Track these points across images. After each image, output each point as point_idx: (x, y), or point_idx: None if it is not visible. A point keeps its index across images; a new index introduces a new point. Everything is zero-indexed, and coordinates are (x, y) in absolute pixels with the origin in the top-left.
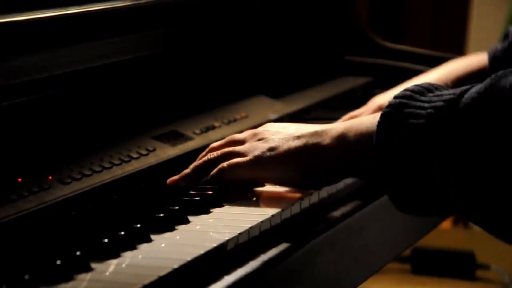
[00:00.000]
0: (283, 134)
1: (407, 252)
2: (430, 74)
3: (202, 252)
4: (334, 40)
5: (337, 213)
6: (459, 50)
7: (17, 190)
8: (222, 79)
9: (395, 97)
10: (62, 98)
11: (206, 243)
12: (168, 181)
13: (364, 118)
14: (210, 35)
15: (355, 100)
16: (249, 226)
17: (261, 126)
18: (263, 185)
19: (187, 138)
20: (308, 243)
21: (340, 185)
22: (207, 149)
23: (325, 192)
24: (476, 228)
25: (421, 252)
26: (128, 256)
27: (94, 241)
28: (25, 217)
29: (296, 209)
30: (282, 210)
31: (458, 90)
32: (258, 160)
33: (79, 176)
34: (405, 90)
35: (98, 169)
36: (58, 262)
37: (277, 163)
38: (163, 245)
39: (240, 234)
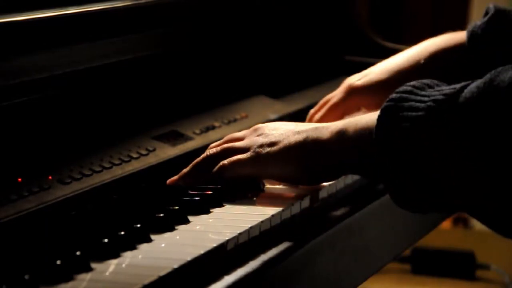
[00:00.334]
0: (282, 129)
1: (407, 252)
2: (404, 52)
3: (202, 252)
4: (334, 40)
5: (337, 213)
6: None
7: (17, 190)
8: (222, 79)
9: (396, 92)
10: (62, 98)
11: (206, 243)
12: (168, 181)
13: (365, 114)
14: (210, 35)
15: None
16: (249, 226)
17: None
18: (263, 182)
19: (187, 138)
20: (308, 243)
21: (340, 185)
22: (207, 150)
23: (325, 192)
24: (476, 228)
25: (421, 252)
26: (128, 256)
27: (94, 241)
28: (25, 217)
29: (296, 209)
30: (282, 210)
31: (458, 85)
32: (258, 156)
33: (79, 176)
34: (406, 85)
35: (98, 169)
36: (58, 262)
37: (277, 159)
38: (163, 245)
39: (240, 234)
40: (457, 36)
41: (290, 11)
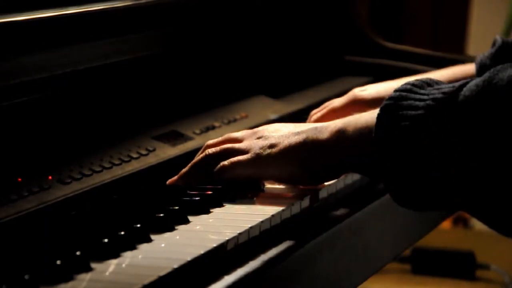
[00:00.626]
0: (282, 131)
1: (407, 252)
2: (412, 77)
3: (202, 252)
4: (334, 40)
5: (337, 213)
6: (459, 50)
7: (17, 190)
8: (222, 79)
9: (395, 90)
10: (62, 98)
11: (206, 243)
12: (168, 182)
13: (363, 113)
14: (210, 35)
15: None
16: (249, 226)
17: (260, 126)
18: (263, 183)
19: (187, 138)
20: (308, 243)
21: (340, 185)
22: (203, 147)
23: (325, 192)
24: (476, 228)
25: (421, 252)
26: (128, 256)
27: (94, 241)
28: (25, 217)
29: (296, 209)
30: (282, 210)
31: (457, 83)
32: (259, 158)
33: (79, 176)
34: (405, 84)
35: (98, 169)
36: (58, 262)
37: (277, 160)
38: (163, 245)
39: (240, 234)
40: (466, 68)
41: (290, 11)
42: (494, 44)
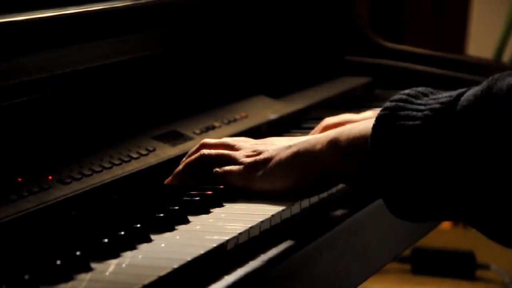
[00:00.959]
0: (275, 145)
1: (407, 252)
2: None
3: (202, 252)
4: (334, 40)
5: (337, 213)
6: (459, 50)
7: (17, 190)
8: (222, 79)
9: (391, 100)
10: (62, 98)
11: (206, 243)
12: (165, 182)
13: (357, 123)
14: (210, 35)
15: (355, 100)
16: (249, 226)
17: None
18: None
19: (187, 138)
20: (308, 243)
21: (340, 185)
22: (199, 145)
23: (325, 192)
24: None
25: (421, 252)
26: (128, 256)
27: (94, 241)
28: (25, 217)
29: (296, 209)
30: (282, 210)
31: (455, 93)
32: (251, 171)
33: (79, 176)
34: (401, 93)
35: (98, 169)
36: (58, 262)
37: (269, 175)
38: (163, 245)
39: (240, 234)
40: None
41: (290, 11)
42: None
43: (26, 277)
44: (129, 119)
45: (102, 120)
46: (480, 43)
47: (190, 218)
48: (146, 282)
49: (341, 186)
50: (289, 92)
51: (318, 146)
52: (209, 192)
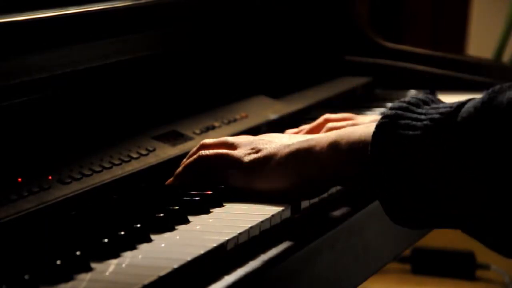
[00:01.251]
0: (275, 143)
1: (407, 252)
2: None
3: (202, 252)
4: (334, 40)
5: (337, 213)
6: (459, 50)
7: (17, 190)
8: (222, 79)
9: (391, 108)
10: (62, 98)
11: (206, 243)
12: (165, 184)
13: (357, 127)
14: (210, 35)
15: (355, 100)
16: (249, 226)
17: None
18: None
19: (187, 138)
20: (308, 243)
21: None
22: (199, 146)
23: (323, 193)
24: None
25: (421, 252)
26: (128, 256)
27: (94, 241)
28: (25, 217)
29: (296, 209)
30: (282, 210)
31: (455, 103)
32: (250, 171)
33: (79, 176)
34: (401, 101)
35: (98, 169)
36: (58, 262)
37: (268, 174)
38: (163, 245)
39: (240, 234)
40: None
41: (290, 11)
42: None
43: (26, 277)
44: (129, 119)
45: (102, 120)
46: (480, 43)
47: (190, 218)
48: (146, 282)
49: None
50: (289, 92)
51: (318, 148)
52: (209, 192)
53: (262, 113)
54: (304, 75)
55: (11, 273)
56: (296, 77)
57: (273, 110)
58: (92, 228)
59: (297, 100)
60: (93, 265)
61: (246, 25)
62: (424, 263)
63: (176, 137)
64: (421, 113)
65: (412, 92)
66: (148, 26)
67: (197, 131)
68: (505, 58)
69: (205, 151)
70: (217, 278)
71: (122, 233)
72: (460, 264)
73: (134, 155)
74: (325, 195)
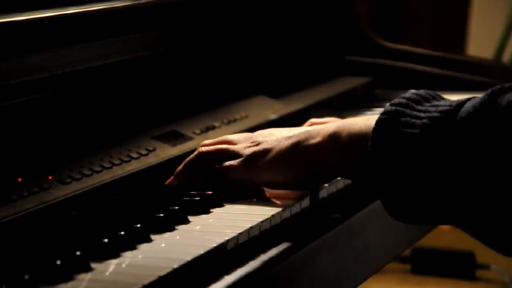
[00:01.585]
0: (275, 136)
1: (407, 252)
2: None
3: (202, 252)
4: (334, 40)
5: (337, 213)
6: (459, 50)
7: (17, 190)
8: (222, 79)
9: (391, 104)
10: (62, 98)
11: (206, 243)
12: (166, 183)
13: (357, 119)
14: (210, 35)
15: (355, 100)
16: (249, 226)
17: (260, 126)
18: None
19: (187, 138)
20: (308, 243)
21: (340, 185)
22: (199, 147)
23: (325, 192)
24: None
25: (421, 252)
26: (128, 256)
27: (94, 241)
28: (25, 217)
29: (296, 209)
30: (282, 210)
31: (454, 102)
32: (251, 163)
33: (79, 176)
34: (402, 97)
35: (98, 169)
36: (58, 262)
37: (268, 166)
38: (163, 245)
39: (240, 234)
40: None
41: (290, 11)
42: None
43: (26, 277)
44: (129, 119)
45: (102, 120)
46: (480, 43)
47: (190, 218)
48: (146, 282)
49: (341, 186)
50: (289, 92)
51: (319, 138)
52: (209, 192)
53: (262, 113)
54: (304, 75)
55: (11, 273)
56: (296, 77)
57: (273, 110)
58: (92, 228)
59: (297, 100)
60: (93, 265)
61: (246, 25)
62: (424, 263)
63: (176, 137)
64: (420, 111)
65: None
66: (148, 26)
67: (197, 131)
68: (505, 58)
69: (205, 147)
70: (217, 278)
71: (122, 233)
72: (460, 264)
73: (134, 155)
74: (325, 195)
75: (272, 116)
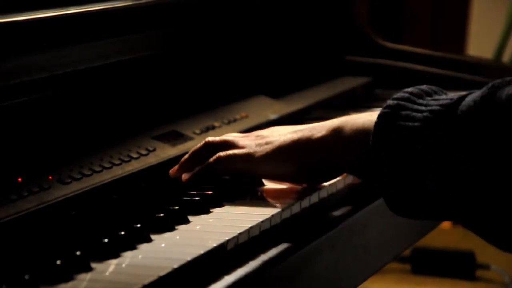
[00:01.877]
0: (280, 131)
1: (407, 252)
2: None
3: (202, 252)
4: (334, 40)
5: (337, 213)
6: (459, 50)
7: (17, 190)
8: (222, 79)
9: (393, 98)
10: (62, 98)
11: (206, 243)
12: (170, 171)
13: (361, 114)
14: (210, 35)
15: (355, 100)
16: (249, 226)
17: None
18: (259, 181)
19: (187, 138)
20: (308, 243)
21: (340, 185)
22: (202, 143)
23: (325, 192)
24: None
25: (421, 252)
26: (128, 256)
27: (94, 241)
28: (25, 217)
29: (296, 209)
30: (282, 210)
31: (456, 95)
32: (254, 153)
33: (79, 176)
34: (404, 91)
35: (98, 169)
36: (58, 262)
37: (271, 157)
38: (163, 245)
39: (240, 234)
40: None
41: (290, 11)
42: None
43: (26, 277)
44: (129, 119)
45: (102, 120)
46: (480, 43)
47: (190, 218)
48: (146, 282)
49: (341, 186)
50: (289, 92)
51: (322, 133)
52: (209, 192)
53: (262, 113)
54: (304, 75)
55: (11, 273)
56: (296, 77)
57: (273, 110)
58: (92, 228)
59: (297, 100)
60: (93, 265)
61: (246, 25)
62: (424, 263)
63: (176, 137)
64: (421, 104)
65: None
66: (148, 26)
67: (197, 131)
68: (505, 58)
69: (212, 138)
70: (217, 278)
71: (122, 233)
72: (460, 264)
73: (134, 155)
74: (325, 195)
75: (272, 116)
